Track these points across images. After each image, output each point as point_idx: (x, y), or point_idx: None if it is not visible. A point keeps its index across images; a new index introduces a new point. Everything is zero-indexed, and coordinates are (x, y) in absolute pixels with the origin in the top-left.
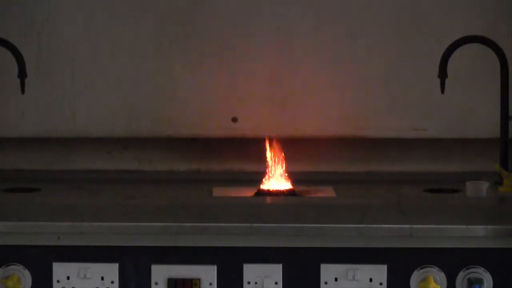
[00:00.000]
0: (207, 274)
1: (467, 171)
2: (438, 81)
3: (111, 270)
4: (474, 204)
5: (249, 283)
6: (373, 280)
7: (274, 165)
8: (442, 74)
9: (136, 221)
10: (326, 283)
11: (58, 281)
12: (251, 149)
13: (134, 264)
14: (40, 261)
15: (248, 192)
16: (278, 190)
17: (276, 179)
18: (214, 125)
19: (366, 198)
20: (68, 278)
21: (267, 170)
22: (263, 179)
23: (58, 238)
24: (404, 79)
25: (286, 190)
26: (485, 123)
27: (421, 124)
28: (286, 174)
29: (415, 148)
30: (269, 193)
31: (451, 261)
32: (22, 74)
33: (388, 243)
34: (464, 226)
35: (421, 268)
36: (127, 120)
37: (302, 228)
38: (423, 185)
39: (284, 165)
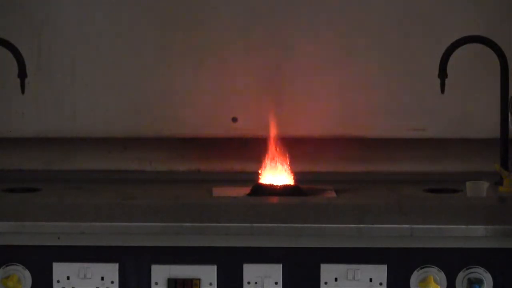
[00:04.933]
0: (207, 274)
1: (467, 171)
2: (438, 81)
3: (111, 270)
4: (474, 204)
5: (249, 283)
6: (373, 280)
7: (274, 162)
8: (442, 74)
9: (136, 221)
10: (326, 283)
11: (58, 281)
12: (251, 149)
13: (134, 264)
14: (40, 261)
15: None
16: (276, 185)
17: (275, 175)
18: (214, 125)
19: (366, 198)
20: (68, 278)
21: (265, 165)
22: (260, 172)
23: (58, 238)
24: (404, 79)
25: (285, 185)
26: (485, 123)
27: (421, 124)
28: (287, 170)
29: (415, 148)
30: (268, 188)
31: (451, 261)
32: (22, 74)
33: (388, 243)
34: (464, 226)
35: (421, 268)
36: (127, 120)
37: (302, 228)
38: (423, 185)
39: (285, 161)
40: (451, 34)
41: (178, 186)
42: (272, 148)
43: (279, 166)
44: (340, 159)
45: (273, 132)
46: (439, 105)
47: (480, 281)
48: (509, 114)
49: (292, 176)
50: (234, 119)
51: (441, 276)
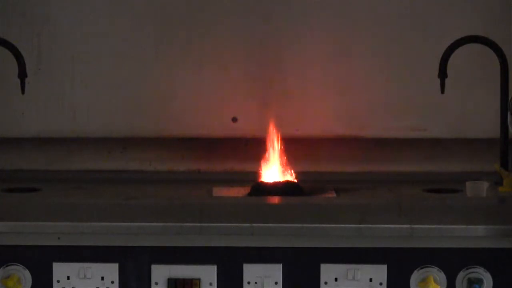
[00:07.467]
0: (207, 274)
1: (467, 171)
2: (438, 81)
3: (111, 270)
4: (474, 204)
5: (249, 283)
6: (373, 280)
7: (274, 162)
8: (442, 74)
9: (136, 221)
10: (326, 283)
11: (58, 281)
12: (251, 149)
13: (134, 264)
14: (40, 261)
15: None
16: (276, 185)
17: (275, 175)
18: (214, 125)
19: (366, 198)
20: (68, 278)
21: (265, 165)
22: (260, 172)
23: (58, 238)
24: (404, 79)
25: (285, 185)
26: (485, 123)
27: (421, 124)
28: (287, 170)
29: (415, 148)
30: (268, 188)
31: (451, 261)
32: (22, 74)
33: (388, 243)
34: (464, 226)
35: (421, 268)
36: (127, 120)
37: (302, 228)
38: (423, 185)
39: (284, 161)
40: (451, 34)
41: (178, 186)
42: (272, 148)
43: (279, 166)
44: (340, 159)
45: (273, 132)
46: (439, 105)
47: (480, 281)
48: (509, 114)
49: (292, 176)
50: (234, 119)
51: (441, 276)
